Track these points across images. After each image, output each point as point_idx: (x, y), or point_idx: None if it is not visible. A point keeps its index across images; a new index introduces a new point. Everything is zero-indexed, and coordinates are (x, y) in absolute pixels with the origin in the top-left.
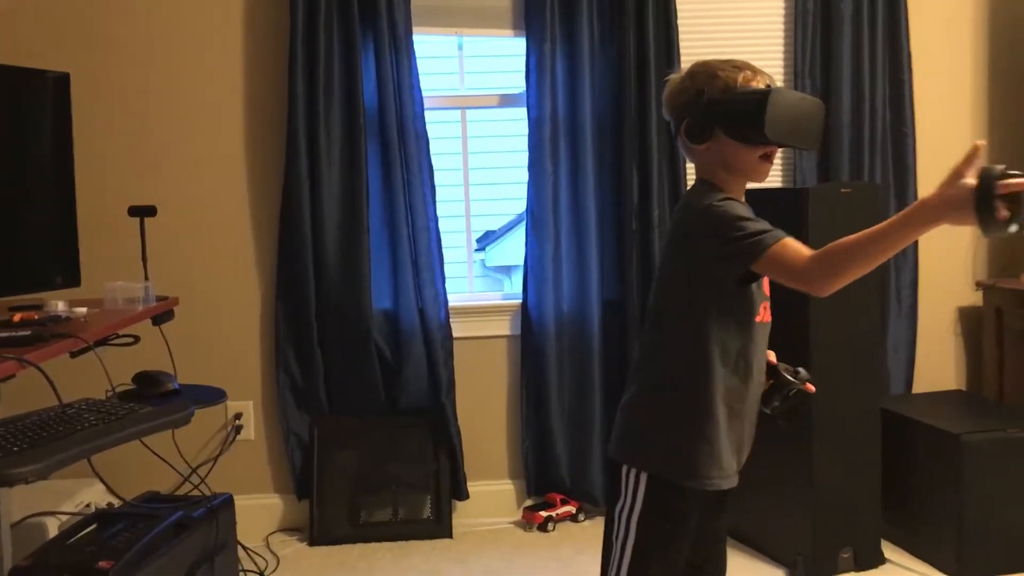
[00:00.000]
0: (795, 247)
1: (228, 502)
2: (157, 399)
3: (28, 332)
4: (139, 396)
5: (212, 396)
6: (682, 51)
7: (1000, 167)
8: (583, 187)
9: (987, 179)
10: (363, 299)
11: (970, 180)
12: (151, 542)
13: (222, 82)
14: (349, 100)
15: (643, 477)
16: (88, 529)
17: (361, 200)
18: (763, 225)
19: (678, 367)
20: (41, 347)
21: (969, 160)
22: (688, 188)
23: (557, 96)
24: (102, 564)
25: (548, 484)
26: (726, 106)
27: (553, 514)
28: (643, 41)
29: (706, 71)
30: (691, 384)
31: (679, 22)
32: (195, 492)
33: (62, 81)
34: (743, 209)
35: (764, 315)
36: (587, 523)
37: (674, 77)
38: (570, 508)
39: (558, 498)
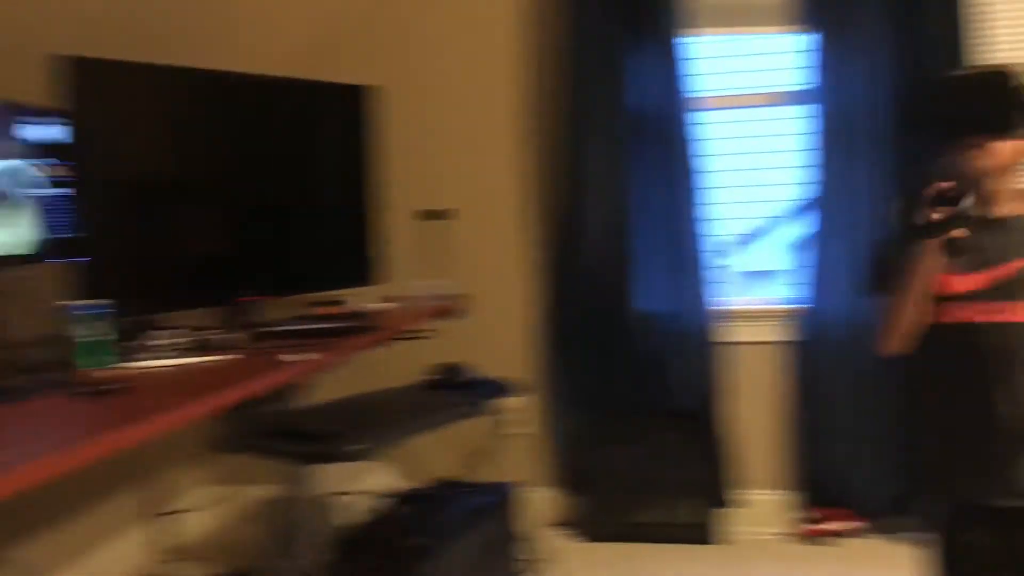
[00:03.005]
0: None
1: (514, 492)
2: (456, 389)
3: (345, 324)
4: (441, 386)
5: (502, 389)
6: (975, 40)
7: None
8: (868, 186)
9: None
10: (631, 300)
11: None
12: (452, 525)
13: (504, 91)
14: (617, 101)
15: None
16: (394, 509)
17: (628, 201)
18: None
19: None
20: (356, 338)
21: None
22: None
23: (843, 91)
24: (412, 541)
25: (827, 497)
26: None
27: (833, 528)
28: (929, 32)
29: None
30: None
31: (970, 10)
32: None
33: (374, 94)
34: None
35: None
36: (870, 540)
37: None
38: (853, 524)
39: (838, 512)
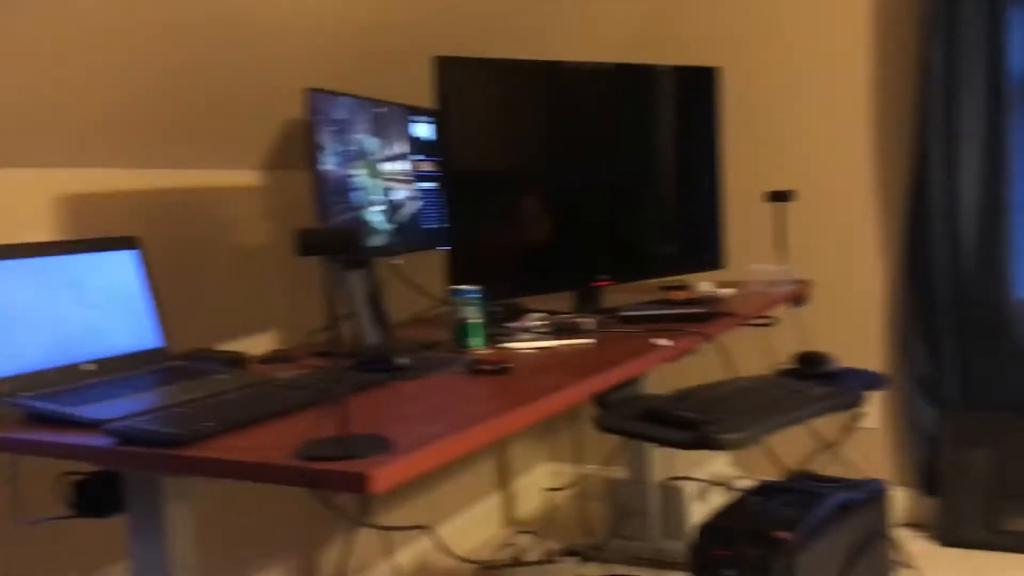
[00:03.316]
0: None
1: (883, 490)
2: (821, 379)
3: (700, 310)
4: (801, 375)
5: (876, 381)
6: None
7: None
8: None
9: None
10: (1004, 287)
11: None
12: (819, 519)
13: (849, 63)
14: (991, 68)
15: None
16: (756, 499)
17: (1003, 178)
18: None
19: None
20: (712, 324)
21: None
22: None
23: None
24: (780, 534)
25: None
26: None
27: None
28: None
29: None
30: None
31: None
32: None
33: (715, 75)
34: None
35: None
36: None
37: None
38: None
39: None
